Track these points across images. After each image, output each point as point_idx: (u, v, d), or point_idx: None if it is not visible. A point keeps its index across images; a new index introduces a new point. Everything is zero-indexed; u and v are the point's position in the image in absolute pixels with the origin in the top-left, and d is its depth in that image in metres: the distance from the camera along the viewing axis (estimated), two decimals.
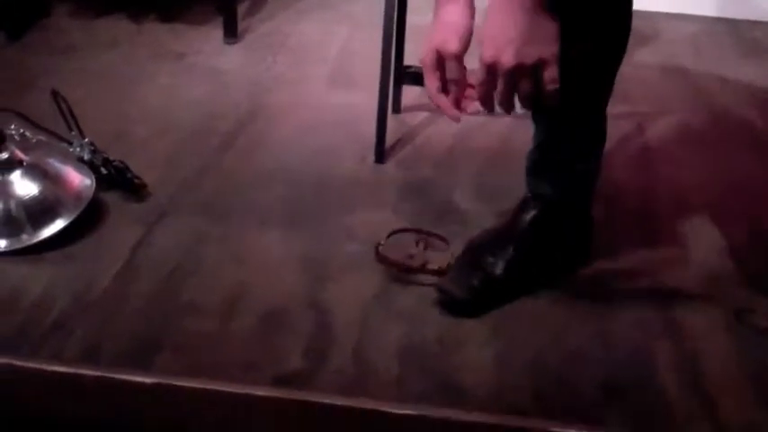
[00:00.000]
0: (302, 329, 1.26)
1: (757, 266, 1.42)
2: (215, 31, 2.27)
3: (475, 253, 1.34)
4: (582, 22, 1.16)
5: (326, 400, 1.13)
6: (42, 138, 1.63)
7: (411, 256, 1.38)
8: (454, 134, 1.80)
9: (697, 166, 1.73)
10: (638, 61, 2.07)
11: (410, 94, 1.87)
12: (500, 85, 1.12)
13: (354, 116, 1.86)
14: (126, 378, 1.15)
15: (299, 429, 1.15)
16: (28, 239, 1.41)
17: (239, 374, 1.17)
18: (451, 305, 1.29)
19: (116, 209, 1.53)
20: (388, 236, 1.39)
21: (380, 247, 1.36)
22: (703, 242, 1.49)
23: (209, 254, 1.42)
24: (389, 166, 1.71)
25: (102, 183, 1.54)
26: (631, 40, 1.26)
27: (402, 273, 1.36)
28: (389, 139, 1.73)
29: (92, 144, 1.60)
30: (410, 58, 1.82)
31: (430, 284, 1.33)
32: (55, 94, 1.68)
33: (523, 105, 1.14)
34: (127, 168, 1.57)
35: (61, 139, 1.64)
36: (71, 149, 1.60)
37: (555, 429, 1.10)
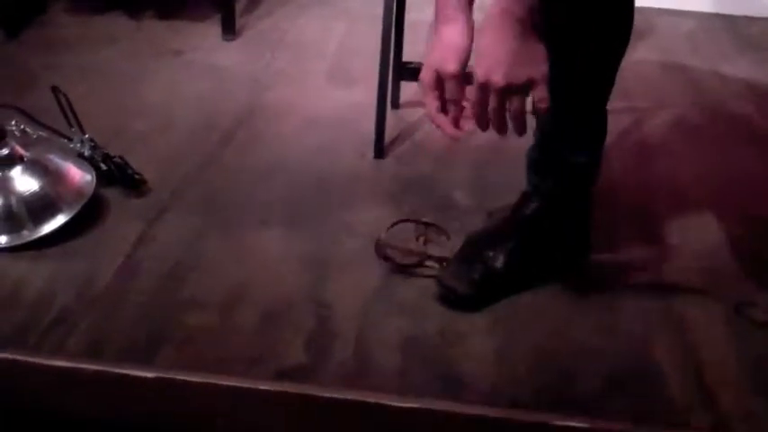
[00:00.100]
0: (304, 323, 1.26)
1: (756, 260, 1.43)
2: (213, 28, 2.28)
3: (475, 247, 1.34)
4: (584, 22, 1.18)
5: (329, 394, 1.13)
6: (43, 134, 1.64)
7: (411, 251, 1.39)
8: None
9: (695, 160, 1.74)
10: (637, 57, 2.07)
11: (409, 89, 1.87)
12: (491, 103, 1.15)
13: (353, 112, 1.86)
14: (128, 373, 1.15)
15: (302, 422, 1.15)
16: (29, 235, 1.41)
17: (241, 369, 1.18)
18: (453, 300, 1.29)
19: (116, 205, 1.53)
20: (389, 228, 1.40)
21: (380, 241, 1.36)
22: (702, 236, 1.49)
23: (209, 249, 1.43)
24: (389, 162, 1.71)
25: (103, 179, 1.55)
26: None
27: (402, 268, 1.36)
28: (388, 134, 1.74)
29: (92, 140, 1.60)
30: (409, 54, 1.83)
31: (430, 276, 1.33)
32: (55, 91, 1.68)
33: (514, 124, 1.16)
34: (127, 164, 1.57)
35: (61, 135, 1.64)
36: (71, 145, 1.60)
37: (556, 422, 1.11)
